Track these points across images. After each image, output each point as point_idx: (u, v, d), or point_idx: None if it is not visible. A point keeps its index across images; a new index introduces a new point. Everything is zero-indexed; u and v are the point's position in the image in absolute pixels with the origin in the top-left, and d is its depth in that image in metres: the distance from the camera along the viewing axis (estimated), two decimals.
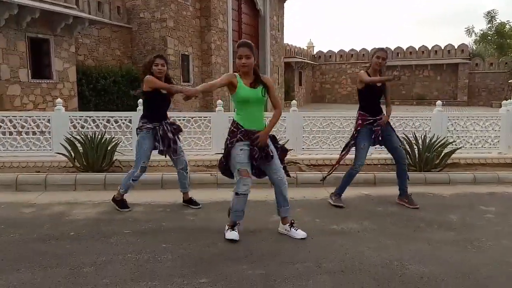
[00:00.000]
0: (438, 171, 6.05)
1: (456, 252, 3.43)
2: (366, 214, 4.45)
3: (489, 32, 38.83)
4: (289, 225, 3.74)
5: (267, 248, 3.45)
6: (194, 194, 4.92)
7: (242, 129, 3.52)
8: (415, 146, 6.14)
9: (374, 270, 3.04)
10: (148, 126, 4.31)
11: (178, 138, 4.53)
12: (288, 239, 3.67)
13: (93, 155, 5.76)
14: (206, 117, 6.71)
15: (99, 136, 5.86)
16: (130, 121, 6.52)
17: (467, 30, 40.42)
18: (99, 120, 6.52)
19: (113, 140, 6.00)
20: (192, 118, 6.72)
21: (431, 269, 3.07)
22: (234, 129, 3.55)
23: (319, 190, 5.38)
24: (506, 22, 38.53)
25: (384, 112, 4.81)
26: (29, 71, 11.11)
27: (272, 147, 3.67)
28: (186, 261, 3.19)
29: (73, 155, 5.90)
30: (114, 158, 6.02)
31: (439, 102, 7.07)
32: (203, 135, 6.68)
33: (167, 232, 3.84)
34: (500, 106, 7.38)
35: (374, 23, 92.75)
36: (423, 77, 32.86)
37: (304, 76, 32.68)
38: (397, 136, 4.88)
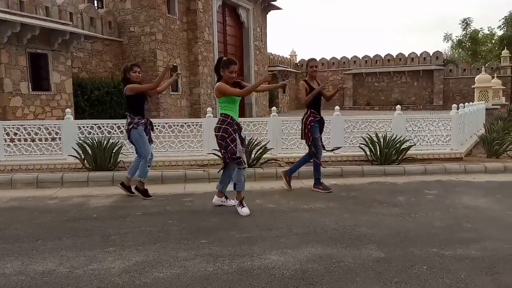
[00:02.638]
0: (396, 165, 7.13)
1: (395, 221, 4.47)
2: (331, 197, 5.49)
3: (464, 38, 40.94)
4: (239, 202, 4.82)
5: (250, 221, 4.44)
6: (190, 188, 5.92)
7: (235, 122, 4.69)
8: (376, 144, 7.21)
9: (331, 232, 4.06)
10: (142, 121, 5.36)
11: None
12: (266, 215, 4.67)
13: (101, 157, 6.68)
14: (198, 122, 7.69)
15: (105, 141, 6.80)
16: None
17: (445, 36, 42.61)
18: (103, 126, 7.44)
19: (118, 144, 6.94)
20: (186, 123, 7.69)
21: (373, 231, 4.09)
22: (231, 121, 4.65)
23: (295, 182, 6.36)
24: (479, 30, 40.71)
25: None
26: (30, 84, 11.93)
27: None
28: (188, 230, 4.16)
29: (83, 157, 6.81)
30: (119, 159, 6.94)
31: (398, 106, 8.20)
32: (195, 138, 7.65)
33: (171, 213, 4.81)
34: None
35: (355, 30, 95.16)
36: (401, 83, 34.38)
37: (288, 84, 33.92)
38: None
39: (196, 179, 6.46)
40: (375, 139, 7.27)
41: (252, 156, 6.87)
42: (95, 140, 6.79)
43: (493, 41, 39.36)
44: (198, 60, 18.65)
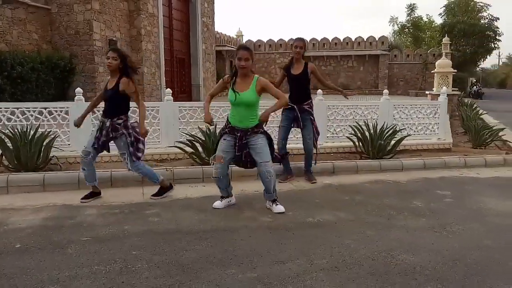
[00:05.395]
0: (389, 158, 6.21)
1: (433, 238, 3.46)
2: (335, 204, 4.38)
3: (407, 24, 41.87)
4: (271, 202, 4.13)
5: (249, 248, 3.20)
6: (150, 190, 4.56)
7: (229, 125, 3.99)
8: (366, 134, 6.22)
9: (367, 263, 2.94)
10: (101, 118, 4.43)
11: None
12: (268, 236, 3.46)
13: (26, 152, 5.03)
14: (154, 107, 6.21)
15: (32, 131, 5.15)
16: (67, 113, 5.81)
17: (391, 20, 43.36)
18: (29, 112, 5.72)
19: (49, 134, 5.31)
20: (137, 107, 6.15)
21: (420, 258, 3.04)
22: (224, 124, 4.12)
23: (283, 184, 5.17)
24: (420, 17, 41.86)
25: None
26: None
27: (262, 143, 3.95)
28: (166, 269, 2.83)
29: (0, 152, 5.11)
30: (51, 154, 5.33)
31: (385, 91, 7.28)
32: (151, 126, 6.17)
33: (133, 237, 3.42)
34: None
35: (302, 13, 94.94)
36: (347, 68, 34.24)
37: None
38: None
39: None
40: (364, 128, 6.28)
41: None
42: (18, 129, 5.12)
43: (434, 28, 40.51)
44: (141, 34, 16.62)
